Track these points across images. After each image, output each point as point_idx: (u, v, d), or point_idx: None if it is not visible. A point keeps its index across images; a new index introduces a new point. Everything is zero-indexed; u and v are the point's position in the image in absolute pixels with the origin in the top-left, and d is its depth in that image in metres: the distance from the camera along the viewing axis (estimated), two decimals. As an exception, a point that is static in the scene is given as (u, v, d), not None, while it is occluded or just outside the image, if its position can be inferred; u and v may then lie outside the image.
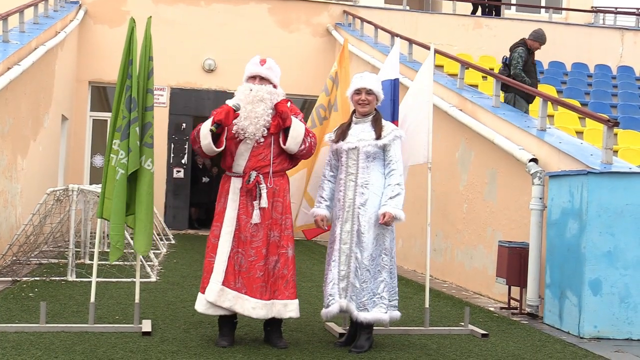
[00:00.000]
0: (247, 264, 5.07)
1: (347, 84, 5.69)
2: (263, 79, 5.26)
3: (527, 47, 9.85)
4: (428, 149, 5.91)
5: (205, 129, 5.09)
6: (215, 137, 5.10)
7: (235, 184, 5.17)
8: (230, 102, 5.13)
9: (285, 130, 5.17)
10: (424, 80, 6.09)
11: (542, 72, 14.88)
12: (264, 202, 5.09)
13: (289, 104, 5.26)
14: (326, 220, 5.36)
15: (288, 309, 5.14)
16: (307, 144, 5.21)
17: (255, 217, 5.09)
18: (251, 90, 5.16)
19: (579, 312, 6.06)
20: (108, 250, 8.81)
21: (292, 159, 5.32)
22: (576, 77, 14.80)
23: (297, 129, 5.16)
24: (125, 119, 5.38)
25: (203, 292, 5.13)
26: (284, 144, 5.16)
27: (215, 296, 5.03)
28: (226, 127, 5.11)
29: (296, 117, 5.23)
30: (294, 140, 5.15)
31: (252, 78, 5.27)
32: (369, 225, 5.14)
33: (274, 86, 5.29)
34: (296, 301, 5.19)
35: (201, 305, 5.14)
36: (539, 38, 9.93)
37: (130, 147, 5.35)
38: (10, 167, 9.25)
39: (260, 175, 5.11)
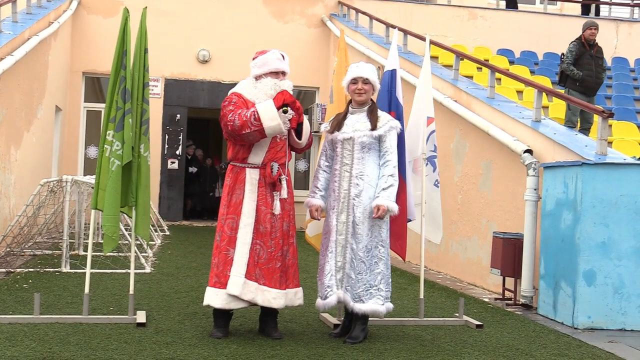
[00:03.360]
0: (267, 255, 5.07)
1: (343, 75, 5.68)
2: (284, 74, 5.30)
3: (582, 41, 9.91)
4: (422, 140, 5.92)
5: (271, 113, 4.97)
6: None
7: (252, 175, 5.14)
8: (267, 83, 5.15)
9: (297, 126, 5.27)
10: (424, 74, 6.12)
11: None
12: (285, 193, 5.16)
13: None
14: (320, 211, 5.36)
15: (297, 296, 5.23)
16: (311, 139, 5.45)
17: (277, 208, 5.12)
18: (280, 87, 5.16)
19: (573, 302, 6.08)
20: (102, 241, 8.80)
21: (292, 151, 5.45)
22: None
23: (307, 124, 5.36)
24: (120, 109, 5.37)
25: (220, 287, 5.03)
26: (299, 139, 5.27)
27: (240, 289, 4.98)
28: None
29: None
30: (306, 135, 5.33)
31: (275, 73, 5.25)
32: (364, 216, 5.14)
33: None
34: (301, 289, 5.30)
35: (220, 300, 5.02)
36: (585, 25, 10.03)
37: (125, 139, 5.34)
38: (3, 158, 9.22)
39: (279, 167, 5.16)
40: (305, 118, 5.36)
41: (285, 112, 5.04)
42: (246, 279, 5.01)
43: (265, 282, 5.04)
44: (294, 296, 5.20)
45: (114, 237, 5.40)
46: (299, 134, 5.28)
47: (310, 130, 5.47)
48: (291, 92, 5.20)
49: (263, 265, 5.06)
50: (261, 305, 5.09)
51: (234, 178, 5.19)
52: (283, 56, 5.30)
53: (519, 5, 17.09)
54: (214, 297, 5.05)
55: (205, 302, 5.11)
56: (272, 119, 4.97)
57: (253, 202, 5.11)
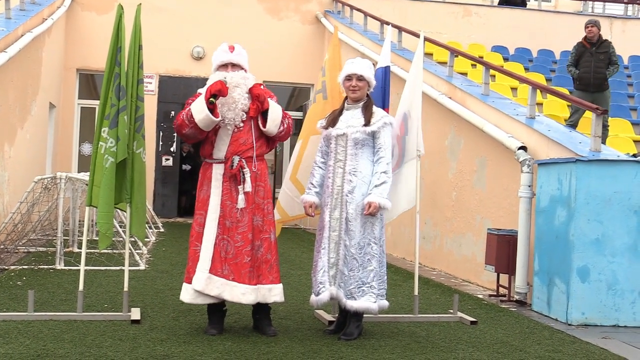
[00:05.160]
0: (234, 249, 5.04)
1: (337, 71, 5.67)
2: (235, 66, 5.26)
3: (583, 41, 10.12)
4: (418, 136, 5.92)
5: (198, 106, 5.02)
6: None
7: (217, 170, 5.14)
8: (215, 78, 5.11)
9: (264, 114, 5.18)
10: (416, 70, 6.09)
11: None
12: (248, 186, 5.09)
13: (262, 87, 5.25)
14: (314, 207, 5.35)
15: (272, 293, 5.14)
16: (285, 126, 5.26)
17: (241, 202, 5.07)
18: (225, 77, 5.12)
19: (567, 299, 6.10)
20: (97, 238, 8.78)
21: (270, 142, 5.32)
22: (565, 65, 14.77)
23: (275, 111, 5.19)
24: (114, 107, 5.36)
25: (189, 282, 5.08)
26: (264, 127, 5.16)
27: (202, 284, 4.99)
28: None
29: (272, 100, 5.25)
30: (273, 122, 5.17)
31: (224, 66, 5.25)
32: (356, 213, 5.13)
33: (245, 71, 5.31)
34: (280, 285, 5.20)
35: (188, 295, 5.08)
36: (585, 25, 10.21)
37: (119, 136, 5.33)
38: (-3, 155, 9.20)
39: (243, 160, 5.10)
40: (273, 104, 5.21)
41: (211, 102, 5.02)
42: (211, 274, 5.00)
43: (235, 278, 5.02)
44: (268, 292, 5.11)
45: (108, 234, 5.40)
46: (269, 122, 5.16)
47: (288, 117, 5.31)
48: (239, 81, 5.11)
49: (231, 260, 5.03)
50: (230, 302, 5.07)
51: (202, 174, 5.23)
52: (233, 47, 5.29)
53: (517, 2, 17.02)
54: (184, 292, 5.12)
55: (180, 298, 5.16)
56: (200, 112, 5.00)
57: (218, 197, 5.10)
